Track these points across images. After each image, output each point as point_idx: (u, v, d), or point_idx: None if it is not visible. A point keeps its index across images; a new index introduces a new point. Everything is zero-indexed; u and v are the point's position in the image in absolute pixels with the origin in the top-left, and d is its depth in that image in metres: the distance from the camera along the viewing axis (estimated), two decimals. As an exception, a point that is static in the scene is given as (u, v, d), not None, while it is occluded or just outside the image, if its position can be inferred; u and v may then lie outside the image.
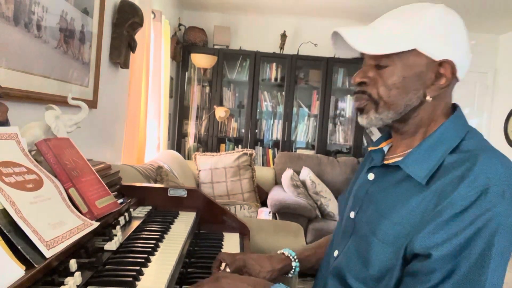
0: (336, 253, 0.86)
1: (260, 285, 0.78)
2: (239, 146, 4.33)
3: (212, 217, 1.30)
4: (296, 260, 0.99)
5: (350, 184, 0.95)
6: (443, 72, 0.74)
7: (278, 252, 1.01)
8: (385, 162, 0.82)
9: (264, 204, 3.36)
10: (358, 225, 0.81)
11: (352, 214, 0.84)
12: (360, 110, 0.81)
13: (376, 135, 4.32)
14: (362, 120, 0.81)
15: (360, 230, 0.80)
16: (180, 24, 4.07)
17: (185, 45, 4.11)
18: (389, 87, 0.75)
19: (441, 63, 0.74)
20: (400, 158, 0.79)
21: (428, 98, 0.75)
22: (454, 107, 0.80)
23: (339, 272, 0.81)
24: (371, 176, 0.84)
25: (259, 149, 4.36)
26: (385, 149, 0.89)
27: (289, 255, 1.00)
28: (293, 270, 0.99)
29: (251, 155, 3.37)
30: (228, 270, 0.92)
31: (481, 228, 0.63)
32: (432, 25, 0.73)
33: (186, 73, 4.20)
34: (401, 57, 0.74)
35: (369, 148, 0.91)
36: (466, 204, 0.65)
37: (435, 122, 0.78)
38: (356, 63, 4.03)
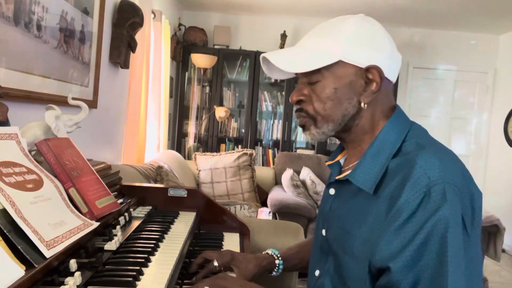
0: (317, 273, 0.86)
1: None
2: (239, 146, 4.33)
3: (212, 217, 1.30)
4: (280, 258, 1.03)
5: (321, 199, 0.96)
6: (371, 78, 0.75)
7: (263, 252, 1.05)
8: (337, 177, 0.83)
9: (264, 204, 3.35)
10: (330, 242, 0.82)
11: (323, 232, 0.85)
12: (302, 127, 0.84)
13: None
14: (306, 137, 0.83)
15: (333, 248, 0.80)
16: (180, 24, 4.07)
17: (185, 45, 4.11)
18: (323, 100, 0.77)
19: (368, 69, 0.75)
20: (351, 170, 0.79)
21: (363, 105, 0.76)
22: (395, 108, 0.81)
23: None
24: (332, 191, 0.85)
25: (259, 149, 4.36)
26: (342, 161, 0.89)
27: (272, 253, 1.04)
28: (277, 268, 1.02)
29: (251, 155, 3.37)
30: (216, 263, 0.95)
31: (431, 232, 0.63)
32: (352, 35, 0.75)
33: (186, 73, 4.20)
34: (330, 70, 0.76)
35: (326, 163, 0.93)
36: (412, 208, 0.65)
37: (377, 126, 0.79)
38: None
